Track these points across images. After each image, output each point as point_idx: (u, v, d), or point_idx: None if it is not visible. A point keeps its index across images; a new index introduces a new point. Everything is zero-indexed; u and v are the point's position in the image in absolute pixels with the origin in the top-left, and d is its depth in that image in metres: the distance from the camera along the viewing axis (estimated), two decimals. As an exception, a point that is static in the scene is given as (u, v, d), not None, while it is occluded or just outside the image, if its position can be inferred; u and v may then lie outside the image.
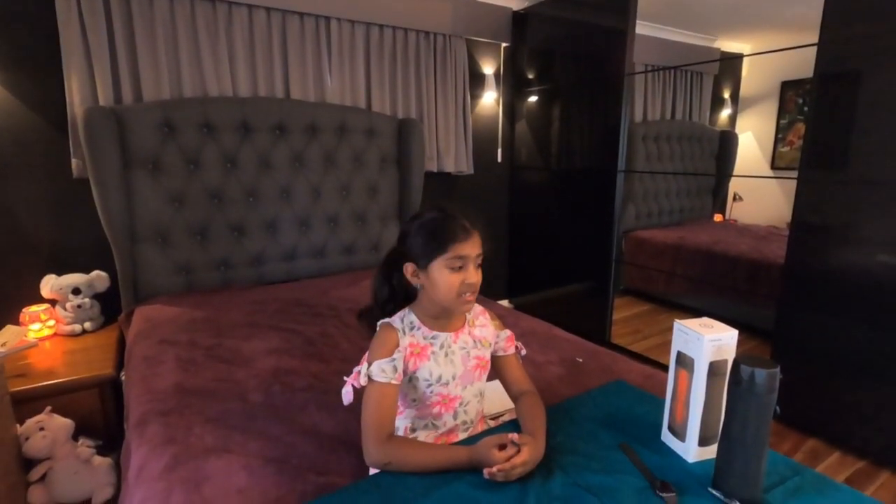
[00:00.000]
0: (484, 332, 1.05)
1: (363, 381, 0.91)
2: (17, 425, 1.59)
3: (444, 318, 1.00)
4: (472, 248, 0.93)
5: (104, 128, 1.88)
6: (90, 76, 1.98)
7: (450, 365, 0.98)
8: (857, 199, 1.84)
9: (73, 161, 2.02)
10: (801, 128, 2.29)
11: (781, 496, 0.80)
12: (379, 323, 0.99)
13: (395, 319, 0.98)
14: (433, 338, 0.97)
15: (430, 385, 0.96)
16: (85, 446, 1.64)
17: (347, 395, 0.95)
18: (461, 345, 1.00)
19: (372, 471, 1.01)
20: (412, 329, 0.97)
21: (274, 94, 2.39)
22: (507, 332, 1.08)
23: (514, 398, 1.06)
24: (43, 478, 1.57)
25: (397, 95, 2.73)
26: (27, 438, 1.56)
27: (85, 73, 1.97)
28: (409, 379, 0.97)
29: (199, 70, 2.19)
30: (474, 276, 0.94)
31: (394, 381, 0.91)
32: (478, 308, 1.08)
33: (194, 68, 2.18)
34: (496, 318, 1.10)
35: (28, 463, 1.58)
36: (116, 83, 2.04)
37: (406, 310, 1.01)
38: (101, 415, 1.78)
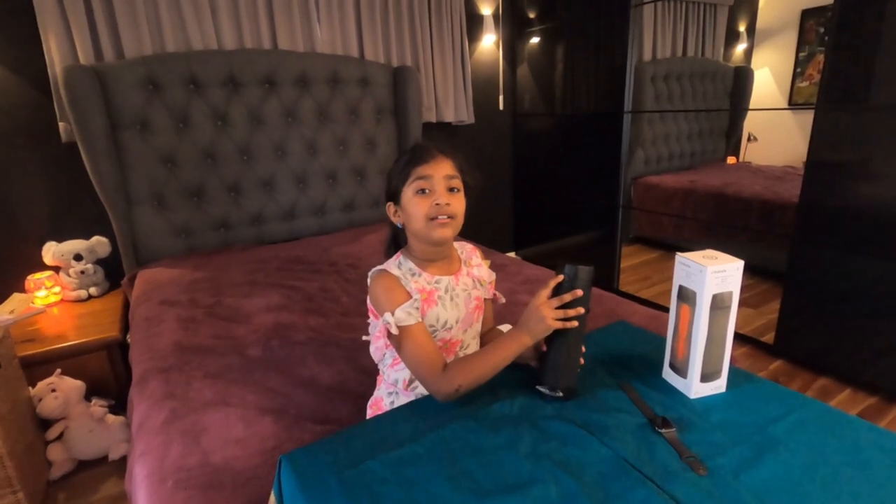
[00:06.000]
0: (481, 271, 1.03)
1: (395, 331, 0.87)
2: (30, 387, 1.62)
3: (439, 259, 0.96)
4: (436, 168, 0.89)
5: (86, 87, 1.82)
6: (67, 33, 1.90)
7: (455, 309, 0.95)
8: (877, 129, 1.74)
9: (61, 124, 1.97)
10: (821, 60, 2.13)
11: (786, 429, 0.78)
12: (372, 272, 0.94)
13: (392, 266, 0.93)
14: (437, 282, 0.94)
15: (434, 331, 0.93)
16: (98, 406, 1.68)
17: (378, 352, 0.93)
18: (463, 286, 0.97)
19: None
20: (413, 275, 0.93)
21: (261, 45, 2.28)
22: (493, 276, 1.06)
23: (482, 335, 1.08)
24: (60, 436, 1.62)
25: (391, 42, 2.60)
26: (40, 399, 1.59)
27: (62, 31, 1.89)
28: None
29: (180, 22, 2.09)
30: (444, 196, 0.89)
31: (420, 321, 0.89)
32: (467, 247, 1.05)
33: (175, 20, 2.08)
34: (487, 258, 1.07)
35: (45, 423, 1.63)
36: (95, 40, 1.96)
37: (400, 256, 0.96)
38: (111, 376, 1.82)
